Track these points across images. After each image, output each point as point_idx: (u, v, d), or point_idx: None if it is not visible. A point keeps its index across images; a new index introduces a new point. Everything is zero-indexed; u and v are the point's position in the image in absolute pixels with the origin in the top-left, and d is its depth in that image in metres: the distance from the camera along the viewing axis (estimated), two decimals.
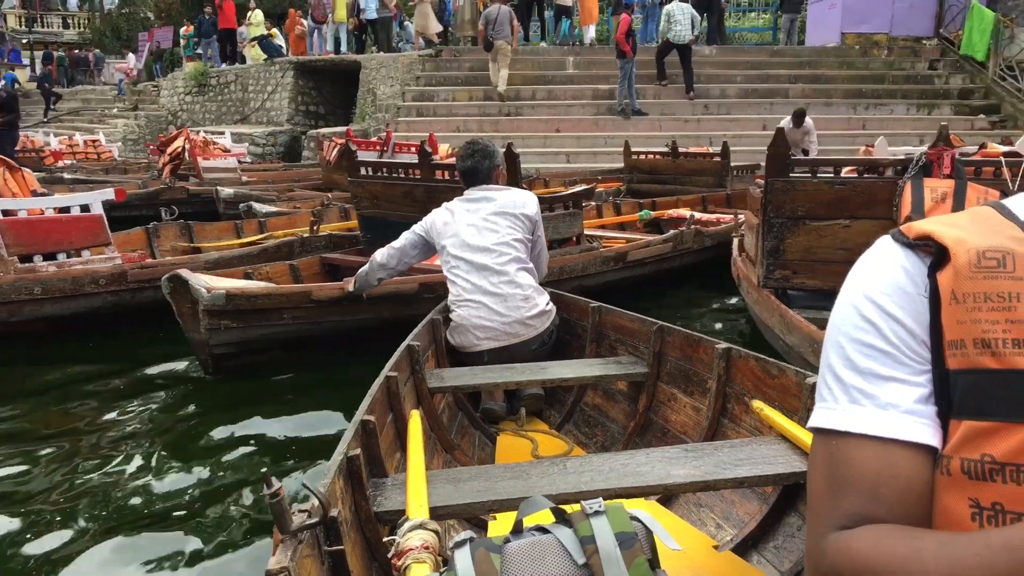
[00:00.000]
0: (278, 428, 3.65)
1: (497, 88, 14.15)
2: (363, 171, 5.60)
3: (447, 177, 5.20)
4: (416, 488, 1.85)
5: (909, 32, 16.61)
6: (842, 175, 3.85)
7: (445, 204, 3.68)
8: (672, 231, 6.25)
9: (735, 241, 5.24)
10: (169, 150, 9.45)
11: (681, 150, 9.31)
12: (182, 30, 23.08)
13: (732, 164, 9.02)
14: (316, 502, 1.49)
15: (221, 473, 3.20)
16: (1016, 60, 14.34)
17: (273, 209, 7.78)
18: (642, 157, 9.42)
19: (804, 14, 18.57)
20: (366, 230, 5.69)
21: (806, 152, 10.49)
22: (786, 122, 10.36)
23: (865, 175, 3.81)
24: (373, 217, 5.58)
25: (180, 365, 4.48)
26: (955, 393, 0.73)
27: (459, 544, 1.16)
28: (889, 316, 0.76)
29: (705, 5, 16.09)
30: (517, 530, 1.18)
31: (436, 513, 1.79)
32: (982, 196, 3.40)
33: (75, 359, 4.63)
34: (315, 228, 6.02)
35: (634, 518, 1.17)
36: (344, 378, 4.18)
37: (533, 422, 3.38)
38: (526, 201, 3.57)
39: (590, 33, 16.48)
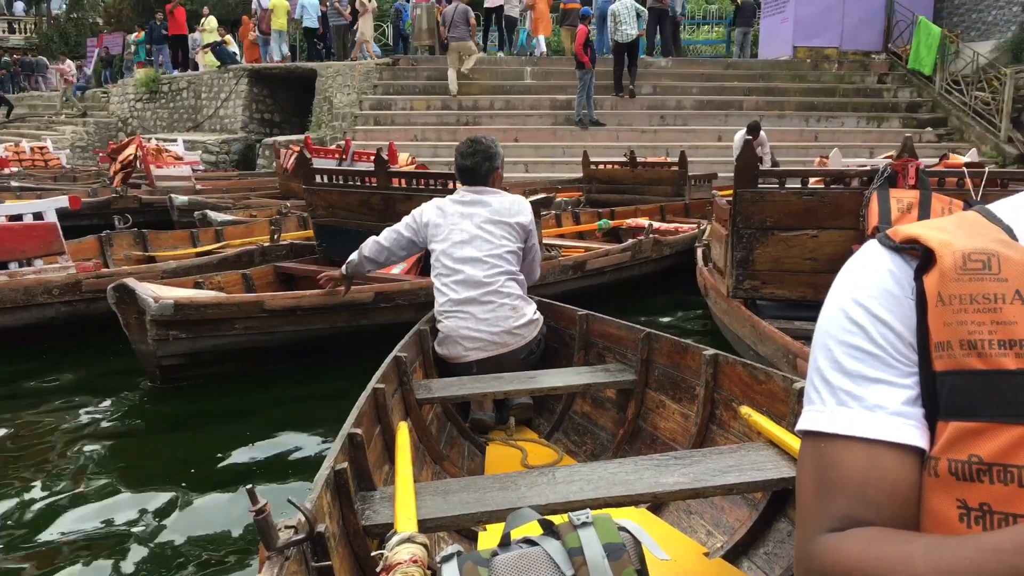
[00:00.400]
0: (241, 443, 3.55)
1: (451, 90, 14.36)
2: (319, 179, 5.54)
3: (404, 185, 5.18)
4: (404, 501, 1.83)
5: (858, 47, 16.99)
6: (809, 186, 3.89)
7: (436, 202, 3.56)
8: (631, 240, 6.26)
9: (699, 251, 5.28)
10: (121, 157, 9.22)
11: (639, 160, 9.37)
12: (132, 36, 22.65)
13: (690, 174, 9.11)
14: (302, 518, 1.47)
15: (190, 491, 3.09)
16: (961, 75, 14.74)
17: (229, 218, 7.65)
18: (601, 167, 9.48)
19: (756, 28, 18.91)
20: (322, 239, 5.61)
21: (760, 163, 10.70)
22: (741, 134, 10.56)
23: (832, 186, 3.86)
24: (329, 226, 5.51)
25: (138, 378, 4.36)
26: (942, 395, 0.73)
27: (446, 559, 1.15)
28: (876, 319, 0.77)
29: (656, 18, 16.29)
30: (505, 543, 1.18)
31: (425, 526, 1.78)
32: (947, 206, 3.46)
33: (28, 373, 4.48)
34: (275, 237, 5.93)
35: (622, 528, 1.17)
36: (305, 392, 4.14)
37: (522, 431, 3.37)
38: (520, 208, 3.47)
39: (541, 46, 16.54)
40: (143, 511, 2.92)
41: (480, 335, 3.32)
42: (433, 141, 13.42)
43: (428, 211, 3.54)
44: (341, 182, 5.43)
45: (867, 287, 0.79)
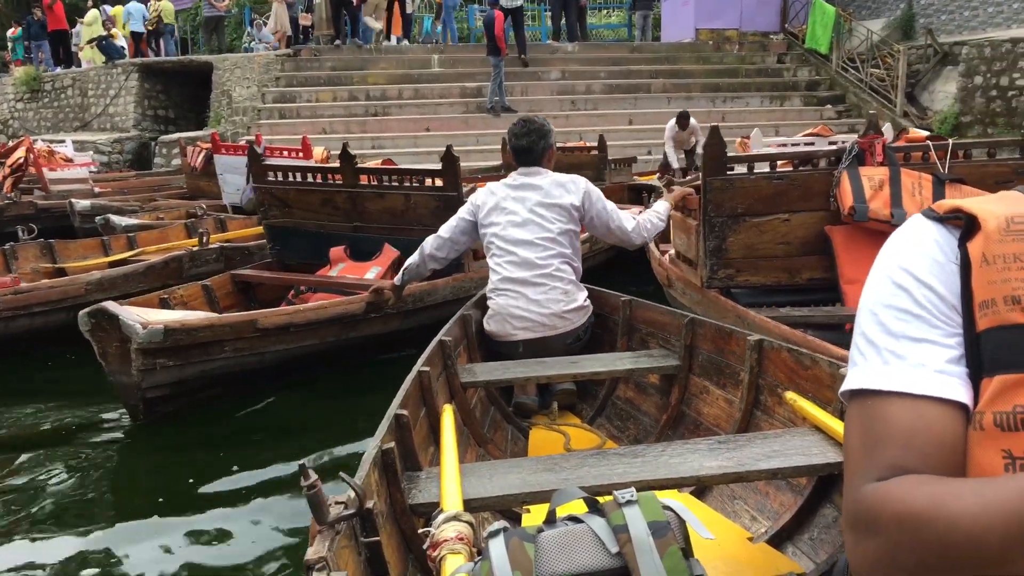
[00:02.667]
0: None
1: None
2: (271, 176, 5.15)
3: (373, 182, 4.89)
4: (450, 481, 1.87)
5: (757, 28, 17.35)
6: (778, 170, 3.83)
7: (490, 185, 3.57)
8: None
9: (651, 242, 5.12)
10: (9, 162, 8.55)
11: (559, 145, 9.24)
12: (8, 32, 21.23)
13: (609, 158, 9.04)
14: (352, 494, 1.51)
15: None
16: (856, 52, 15.22)
17: (136, 222, 7.16)
18: None
19: (657, 10, 19.09)
20: (275, 241, 5.25)
21: (693, 152, 10.73)
22: (672, 124, 10.58)
23: (800, 168, 3.81)
24: (283, 227, 5.15)
25: (86, 404, 4.01)
26: (986, 352, 0.75)
27: (493, 534, 1.16)
28: (921, 283, 0.79)
29: (562, 3, 16.24)
30: (550, 520, 1.19)
31: (470, 505, 1.79)
32: (916, 181, 3.46)
33: None
34: (204, 240, 5.52)
35: (667, 507, 1.17)
36: (297, 415, 3.92)
37: (565, 416, 3.37)
38: (572, 188, 3.45)
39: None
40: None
41: (530, 315, 3.33)
42: (342, 133, 12.98)
43: (481, 194, 3.56)
44: (299, 179, 5.09)
45: (912, 254, 0.81)
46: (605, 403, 3.44)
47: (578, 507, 1.23)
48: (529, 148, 3.47)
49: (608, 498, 1.21)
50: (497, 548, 1.13)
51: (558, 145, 9.16)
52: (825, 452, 2.03)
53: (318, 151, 8.69)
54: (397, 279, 3.89)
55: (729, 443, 2.15)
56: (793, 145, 6.63)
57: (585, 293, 3.50)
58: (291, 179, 5.10)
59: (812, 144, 6.51)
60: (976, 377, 0.76)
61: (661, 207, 3.74)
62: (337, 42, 15.00)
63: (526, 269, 3.36)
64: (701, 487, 2.50)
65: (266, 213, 5.18)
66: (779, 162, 3.91)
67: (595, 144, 9.22)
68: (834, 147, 3.96)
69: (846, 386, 0.83)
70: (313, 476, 1.41)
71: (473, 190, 8.31)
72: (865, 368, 0.81)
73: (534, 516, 2.30)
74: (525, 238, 3.39)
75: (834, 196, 3.58)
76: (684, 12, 17.60)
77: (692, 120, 10.64)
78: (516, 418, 3.34)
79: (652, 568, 1.09)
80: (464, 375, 3.00)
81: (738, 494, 2.49)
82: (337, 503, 1.49)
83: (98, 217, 7.08)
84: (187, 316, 3.80)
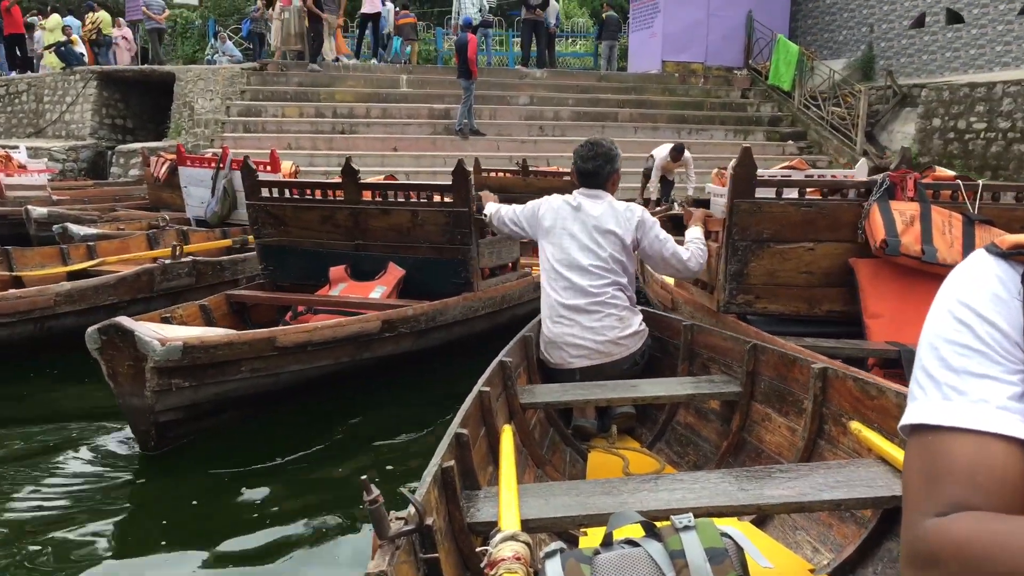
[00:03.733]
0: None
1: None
2: (266, 192, 4.91)
3: (377, 198, 4.70)
4: (508, 500, 1.87)
5: (722, 62, 17.64)
6: (807, 197, 3.73)
7: (554, 201, 3.55)
8: None
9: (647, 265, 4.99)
10: None
11: (532, 168, 9.19)
12: None
13: None
14: (413, 510, 1.54)
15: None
16: (819, 91, 15.53)
17: (94, 231, 6.92)
18: (492, 175, 9.23)
19: (623, 41, 19.31)
20: (268, 260, 4.98)
21: (672, 185, 10.78)
22: (664, 154, 10.41)
23: (829, 197, 3.72)
24: (278, 246, 4.90)
25: (75, 422, 3.77)
26: None
27: (550, 554, 1.17)
28: (982, 319, 0.78)
29: (531, 29, 16.33)
30: (607, 543, 1.20)
31: (527, 526, 1.80)
32: (947, 219, 3.40)
33: None
34: (177, 252, 5.30)
35: (724, 535, 1.17)
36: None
37: (624, 440, 3.37)
38: (628, 217, 3.45)
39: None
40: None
41: (585, 343, 3.33)
42: (308, 150, 12.83)
43: (545, 207, 3.56)
44: (296, 196, 4.88)
45: (973, 290, 0.80)
46: (665, 428, 3.42)
47: (635, 531, 1.23)
48: (595, 172, 3.49)
49: (666, 523, 1.20)
50: (554, 569, 1.14)
51: (532, 168, 9.19)
52: (891, 484, 1.99)
53: (286, 165, 8.52)
54: (487, 213, 3.99)
55: (791, 472, 2.11)
56: (770, 177, 6.69)
57: (640, 317, 3.49)
58: (287, 195, 4.91)
59: (788, 176, 6.57)
60: None
61: (698, 233, 3.71)
62: (313, 66, 14.76)
63: (580, 296, 3.35)
64: (762, 516, 2.47)
65: (259, 231, 4.93)
66: (807, 189, 3.81)
67: (568, 170, 9.13)
68: (864, 179, 3.88)
69: (906, 420, 0.82)
70: (375, 491, 1.43)
71: None
72: (925, 403, 0.80)
73: (591, 539, 2.30)
74: (580, 264, 3.38)
75: (862, 228, 3.49)
76: (651, 44, 17.83)
77: (686, 153, 10.56)
78: (575, 441, 3.33)
79: None
80: (524, 396, 2.99)
81: (800, 524, 2.45)
82: (397, 519, 1.52)
83: (56, 225, 6.83)
84: (206, 332, 3.61)
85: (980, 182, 3.60)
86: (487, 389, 2.57)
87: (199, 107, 14.63)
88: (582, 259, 3.38)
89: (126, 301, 4.60)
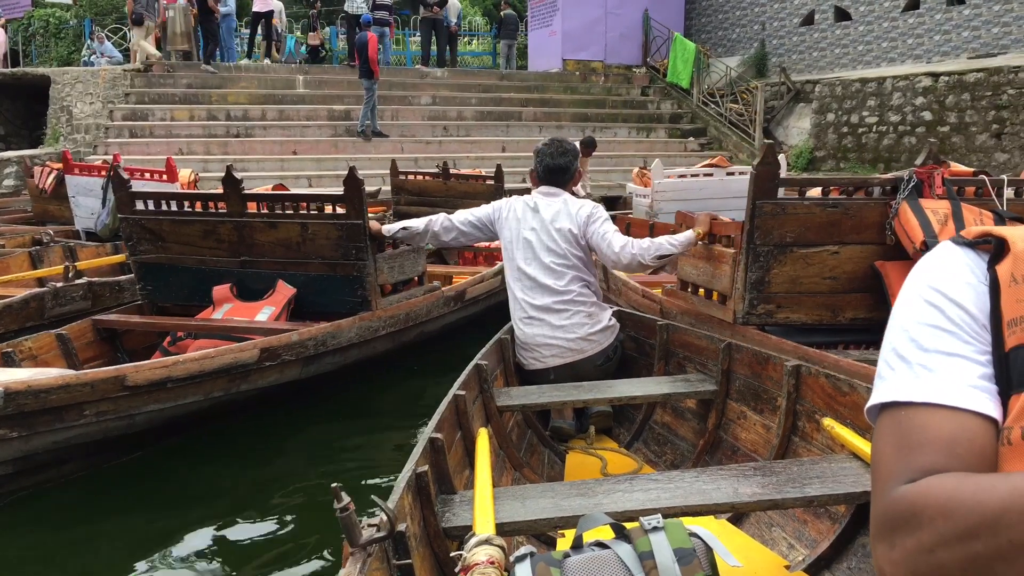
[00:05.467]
0: None
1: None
2: (140, 205, 4.40)
3: (264, 210, 4.24)
4: (483, 504, 1.87)
5: (621, 60, 17.78)
6: (831, 196, 3.49)
7: (513, 202, 3.56)
8: (499, 263, 5.66)
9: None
10: None
11: (452, 172, 8.82)
12: None
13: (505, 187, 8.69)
14: (384, 517, 1.53)
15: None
16: (716, 87, 15.79)
17: None
18: (410, 178, 8.85)
19: (521, 40, 19.23)
20: (146, 280, 4.48)
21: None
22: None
23: (854, 196, 3.49)
24: (156, 264, 4.42)
25: None
26: (1014, 369, 0.75)
27: (520, 559, 1.18)
28: (952, 301, 0.79)
29: (430, 28, 16.02)
30: (577, 545, 1.21)
31: (503, 529, 1.81)
32: (978, 218, 3.23)
33: None
34: (70, 274, 4.72)
35: (693, 534, 1.17)
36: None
37: (602, 440, 3.39)
38: (577, 212, 3.47)
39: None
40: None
41: (556, 342, 3.36)
42: (201, 155, 12.17)
43: (507, 208, 3.56)
44: (174, 208, 4.35)
45: (943, 276, 0.81)
46: (642, 428, 3.44)
47: (606, 533, 1.25)
48: (566, 167, 3.56)
49: (635, 524, 1.21)
50: (524, 572, 1.14)
51: (453, 171, 8.86)
52: (863, 479, 2.02)
53: (184, 173, 7.96)
54: (387, 228, 3.92)
55: (765, 469, 2.14)
56: (692, 176, 6.62)
57: (609, 312, 3.53)
58: (164, 207, 4.40)
59: (711, 175, 6.52)
60: (1005, 395, 0.75)
61: (682, 236, 3.56)
62: (207, 67, 14.02)
63: (547, 295, 3.39)
64: (737, 514, 2.49)
65: (135, 248, 4.44)
66: (831, 188, 3.58)
67: (492, 172, 8.60)
68: (890, 176, 3.65)
69: (875, 400, 0.80)
70: (346, 499, 1.43)
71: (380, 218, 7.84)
72: (895, 381, 0.79)
73: (568, 541, 2.35)
74: (543, 262, 3.41)
75: (890, 228, 3.30)
76: (551, 42, 17.80)
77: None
78: (553, 442, 3.34)
79: None
80: (500, 399, 3.00)
81: (775, 521, 2.47)
82: (369, 526, 1.51)
83: None
84: (35, 375, 3.11)
85: (1004, 177, 3.45)
86: (462, 393, 2.58)
87: (78, 111, 13.70)
88: (544, 258, 3.41)
89: (12, 331, 4.05)
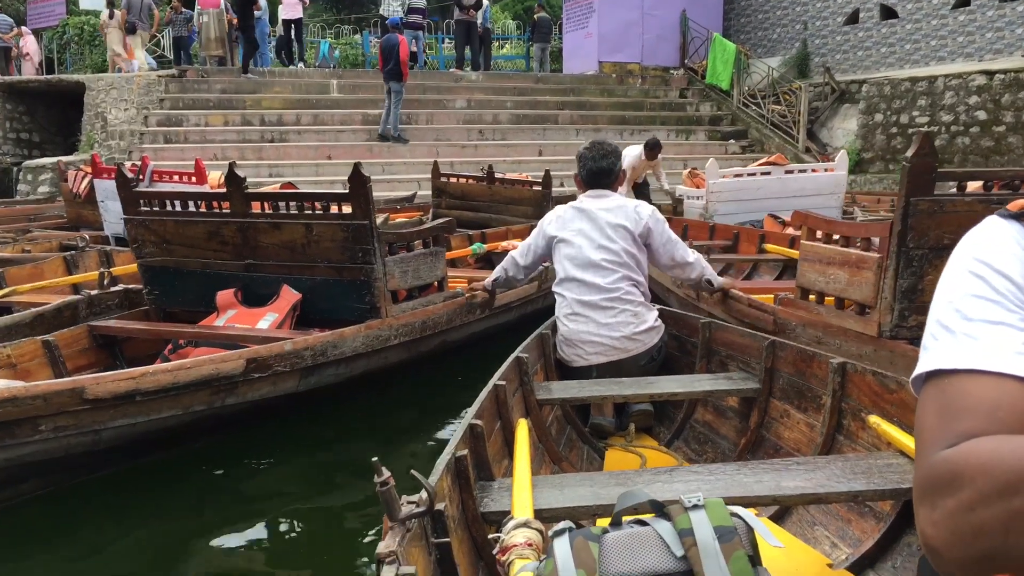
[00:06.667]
0: None
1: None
2: (144, 205, 4.19)
3: (267, 210, 3.97)
4: (521, 489, 1.88)
5: (658, 62, 17.44)
6: (994, 191, 3.16)
7: (556, 210, 3.58)
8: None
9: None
10: None
11: (497, 176, 8.45)
12: None
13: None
14: (424, 494, 1.52)
15: None
16: (757, 88, 15.41)
17: (4, 255, 6.08)
18: (453, 180, 8.53)
19: (554, 44, 18.96)
20: (153, 285, 4.26)
21: (646, 186, 9.86)
22: (637, 153, 9.32)
23: (1021, 190, 3.16)
24: (162, 267, 4.19)
25: None
26: None
27: (558, 533, 1.16)
28: (997, 272, 0.79)
29: (465, 31, 15.78)
30: (616, 522, 1.19)
31: (541, 515, 1.79)
32: None
33: None
34: (105, 281, 4.50)
35: (734, 514, 1.15)
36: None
37: (642, 438, 3.35)
38: (638, 213, 3.45)
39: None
40: None
41: (601, 339, 3.32)
42: (237, 160, 11.99)
43: (550, 217, 3.59)
44: (178, 208, 4.12)
45: (988, 247, 0.81)
46: (683, 426, 3.38)
47: (644, 511, 1.26)
48: (610, 169, 3.53)
49: (675, 503, 1.19)
50: (562, 547, 1.13)
51: (499, 175, 8.54)
52: (910, 476, 1.91)
53: (214, 176, 7.75)
54: (488, 283, 4.05)
55: (809, 464, 2.13)
56: (749, 175, 6.30)
57: (655, 313, 3.48)
58: (169, 208, 4.17)
59: (769, 173, 6.20)
60: None
61: (720, 280, 3.80)
62: (250, 76, 13.87)
63: (595, 293, 3.34)
64: (780, 511, 2.49)
65: (140, 250, 4.22)
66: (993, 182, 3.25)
67: (539, 178, 7.99)
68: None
69: (919, 370, 0.80)
70: (386, 473, 1.43)
71: (386, 221, 7.53)
72: (939, 350, 0.78)
73: None
74: (593, 261, 3.36)
75: None
76: (587, 44, 17.51)
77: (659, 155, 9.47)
78: (592, 439, 3.30)
79: (718, 572, 1.06)
80: (540, 392, 2.97)
81: (818, 520, 2.45)
82: (409, 502, 1.52)
83: None
84: None
85: None
86: (503, 383, 2.57)
87: (113, 118, 13.64)
88: (594, 256, 3.37)
89: None
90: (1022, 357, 0.73)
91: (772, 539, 1.14)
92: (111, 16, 14.96)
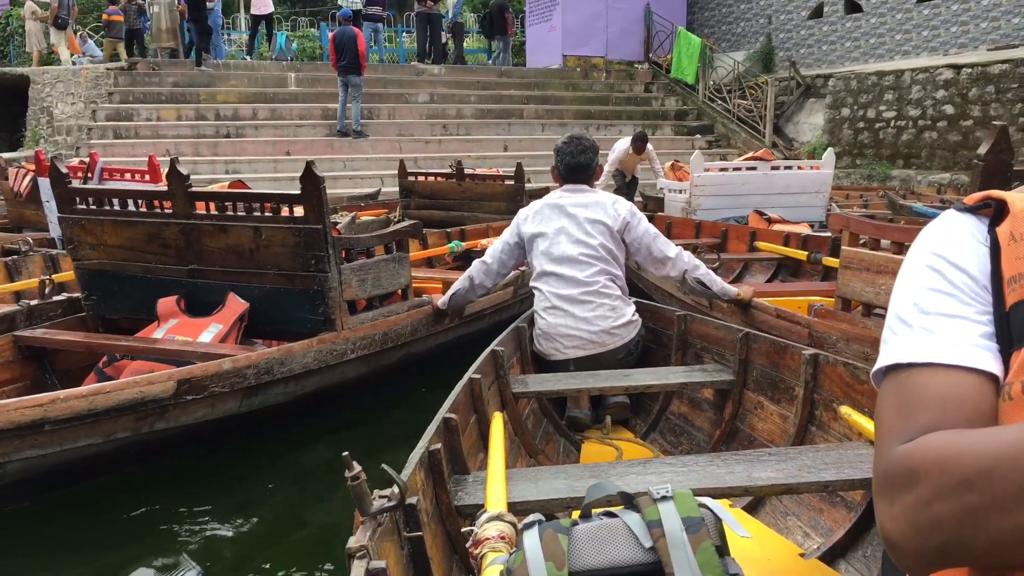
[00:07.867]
0: None
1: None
2: (80, 203, 3.83)
3: (211, 210, 3.63)
4: (495, 483, 1.86)
5: (622, 56, 17.27)
6: None
7: (532, 206, 3.54)
8: (512, 271, 5.01)
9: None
10: None
11: (467, 171, 8.10)
12: None
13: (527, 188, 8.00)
14: (396, 488, 1.53)
15: None
16: (723, 83, 15.28)
17: None
18: (421, 179, 8.16)
19: (517, 36, 18.66)
20: (90, 289, 3.91)
21: (636, 182, 9.71)
22: (623, 147, 9.18)
23: None
24: (99, 271, 3.85)
25: None
26: (1015, 326, 0.74)
27: (528, 525, 1.17)
28: (953, 265, 0.80)
29: (426, 23, 15.42)
30: (585, 514, 1.20)
31: (514, 508, 1.79)
32: None
33: None
34: (47, 289, 4.09)
35: (702, 505, 1.16)
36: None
37: (618, 431, 3.36)
38: (615, 207, 3.44)
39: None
40: None
41: (579, 333, 3.30)
42: (191, 156, 11.54)
43: (523, 214, 3.56)
44: (116, 208, 3.76)
45: (944, 241, 0.82)
46: (659, 418, 3.40)
47: (614, 503, 1.26)
48: (587, 165, 3.52)
49: (644, 494, 1.18)
50: (531, 539, 1.13)
51: (468, 171, 8.21)
52: None
53: None
54: (441, 302, 3.87)
55: (781, 455, 2.15)
56: (735, 169, 6.08)
57: (633, 308, 3.46)
58: (107, 207, 3.81)
59: (754, 168, 5.99)
60: (1006, 353, 0.75)
61: (731, 290, 3.61)
62: (203, 68, 13.37)
63: (573, 287, 3.32)
64: (753, 502, 2.51)
65: (76, 252, 3.87)
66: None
67: (511, 172, 7.66)
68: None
69: (879, 365, 0.81)
70: (357, 467, 1.43)
71: (354, 220, 7.16)
72: (897, 345, 0.79)
73: None
74: (570, 255, 3.35)
75: None
76: (551, 38, 17.28)
77: (649, 145, 9.25)
78: (569, 432, 3.29)
79: (685, 563, 1.06)
80: (516, 385, 2.96)
81: (791, 510, 2.47)
82: (381, 496, 1.51)
83: None
84: None
85: None
86: (478, 376, 2.56)
87: (59, 112, 13.06)
88: (572, 251, 3.36)
89: None
90: (978, 350, 0.75)
91: (740, 530, 1.16)
92: (32, 13, 14.52)
